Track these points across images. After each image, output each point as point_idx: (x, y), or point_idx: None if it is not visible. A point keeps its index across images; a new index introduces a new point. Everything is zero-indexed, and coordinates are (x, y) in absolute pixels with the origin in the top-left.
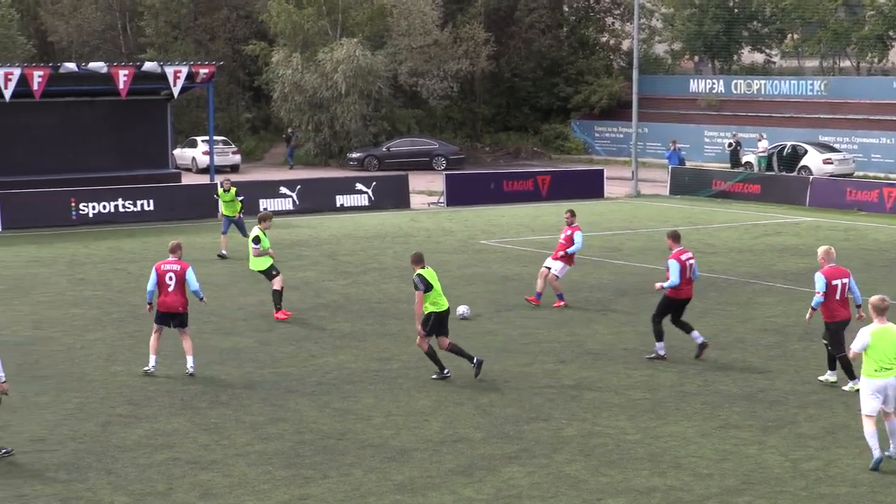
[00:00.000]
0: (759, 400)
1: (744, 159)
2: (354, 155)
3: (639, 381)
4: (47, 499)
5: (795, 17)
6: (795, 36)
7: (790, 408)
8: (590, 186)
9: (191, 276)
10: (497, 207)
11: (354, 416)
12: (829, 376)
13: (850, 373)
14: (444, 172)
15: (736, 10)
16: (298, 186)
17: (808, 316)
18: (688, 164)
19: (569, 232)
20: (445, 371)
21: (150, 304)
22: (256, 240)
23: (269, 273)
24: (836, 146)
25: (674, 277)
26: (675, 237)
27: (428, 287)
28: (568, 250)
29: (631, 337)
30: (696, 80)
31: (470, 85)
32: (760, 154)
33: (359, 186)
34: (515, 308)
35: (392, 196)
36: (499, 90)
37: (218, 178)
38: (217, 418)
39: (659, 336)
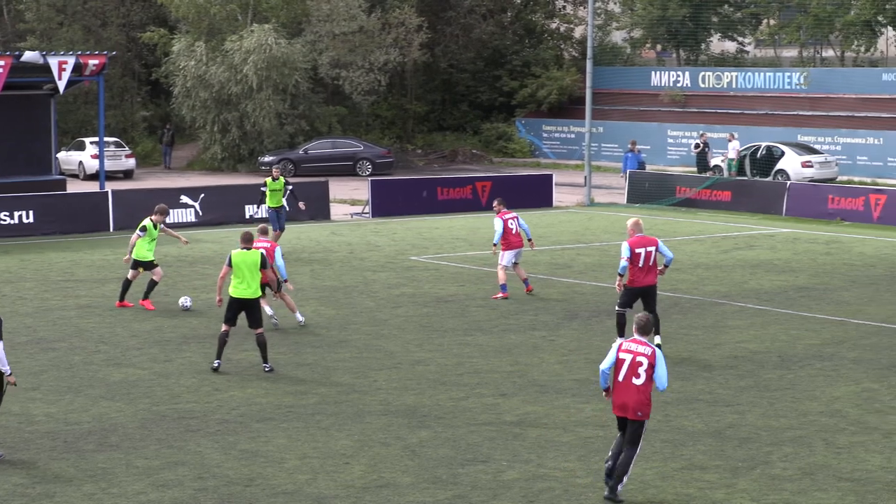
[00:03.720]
0: (728, 437)
1: (712, 162)
2: (267, 158)
3: (590, 416)
4: None
5: (772, 1)
6: (772, 22)
7: (763, 446)
8: (537, 194)
9: (278, 253)
10: (430, 218)
11: (264, 459)
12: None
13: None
14: (369, 178)
15: None
16: (202, 195)
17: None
18: (648, 169)
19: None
20: (217, 363)
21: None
22: (143, 228)
23: (153, 264)
24: (817, 147)
25: None
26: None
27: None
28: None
29: (581, 366)
30: (658, 73)
31: (400, 78)
32: (731, 157)
33: None
34: (450, 333)
35: (309, 206)
36: (433, 84)
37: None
38: (105, 463)
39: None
